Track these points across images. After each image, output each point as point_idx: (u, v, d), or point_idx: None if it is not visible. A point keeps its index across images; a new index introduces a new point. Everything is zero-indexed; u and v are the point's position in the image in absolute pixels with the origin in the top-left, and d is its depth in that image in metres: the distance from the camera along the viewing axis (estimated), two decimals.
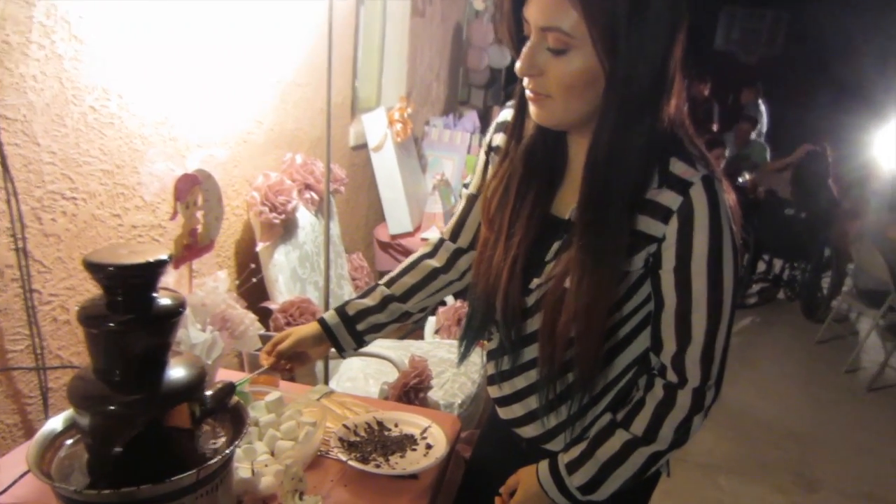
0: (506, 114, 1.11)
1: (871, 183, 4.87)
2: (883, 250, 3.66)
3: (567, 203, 1.01)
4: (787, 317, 5.00)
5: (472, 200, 1.20)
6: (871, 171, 5.21)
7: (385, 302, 1.22)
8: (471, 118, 3.60)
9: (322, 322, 1.22)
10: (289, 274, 2.02)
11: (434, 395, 1.95)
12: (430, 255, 1.26)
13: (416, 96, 3.49)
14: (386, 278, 1.26)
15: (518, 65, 0.92)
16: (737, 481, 2.78)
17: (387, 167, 2.99)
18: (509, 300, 1.03)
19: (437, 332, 2.54)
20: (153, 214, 1.61)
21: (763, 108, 6.39)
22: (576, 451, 1.02)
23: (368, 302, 1.22)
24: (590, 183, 0.93)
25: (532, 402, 1.08)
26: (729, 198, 0.92)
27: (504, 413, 1.15)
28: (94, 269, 0.83)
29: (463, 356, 1.16)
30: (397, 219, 3.00)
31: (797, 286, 5.29)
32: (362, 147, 2.96)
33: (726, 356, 0.95)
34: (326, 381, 1.99)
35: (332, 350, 1.24)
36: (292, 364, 1.23)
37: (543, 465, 1.05)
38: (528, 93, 0.94)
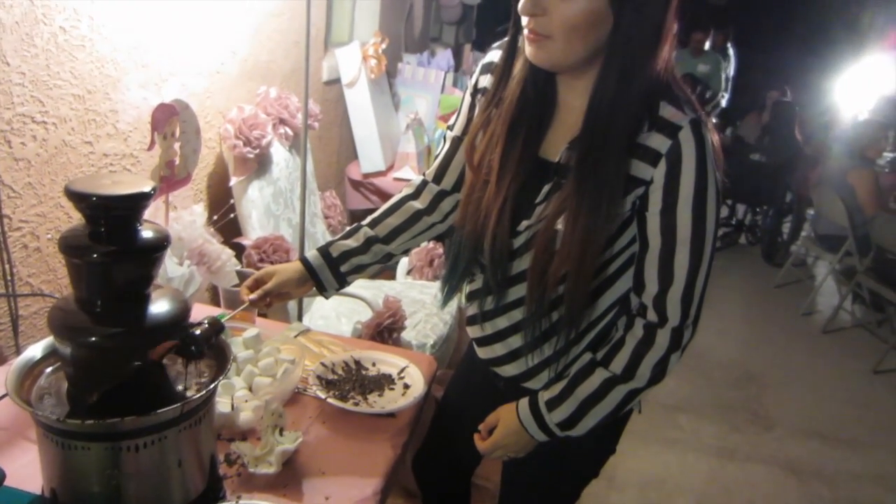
0: (492, 55, 1.10)
1: (833, 129, 4.96)
2: (842, 195, 3.74)
3: (556, 146, 1.01)
4: (748, 261, 5.16)
5: (456, 143, 1.19)
6: (833, 116, 5.30)
7: (369, 243, 1.22)
8: (445, 56, 3.52)
9: (305, 262, 1.22)
10: (262, 210, 1.99)
11: (407, 335, 1.98)
12: (414, 196, 1.25)
13: (389, 32, 3.39)
14: (369, 219, 1.25)
15: (521, 3, 0.90)
16: (696, 420, 2.91)
17: (360, 104, 2.92)
18: (497, 242, 1.04)
19: (409, 272, 2.56)
20: (125, 143, 1.56)
21: (732, 51, 6.40)
22: (556, 389, 1.05)
23: (352, 243, 1.22)
24: (591, 126, 0.94)
25: (514, 342, 1.11)
26: (713, 139, 0.94)
27: (484, 353, 1.18)
28: (77, 198, 0.81)
29: (447, 298, 1.18)
30: (370, 157, 2.96)
31: (758, 231, 5.44)
32: (335, 82, 2.89)
33: (704, 296, 0.99)
34: (300, 319, 2.00)
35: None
36: (272, 301, 1.23)
37: (524, 402, 1.09)
38: (526, 32, 0.93)
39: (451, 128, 1.20)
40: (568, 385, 1.04)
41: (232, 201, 1.94)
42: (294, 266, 1.22)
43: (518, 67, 1.02)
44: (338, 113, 2.98)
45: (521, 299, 1.06)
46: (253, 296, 1.17)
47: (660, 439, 2.72)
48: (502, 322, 1.12)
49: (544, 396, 1.06)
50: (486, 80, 1.10)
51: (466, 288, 1.19)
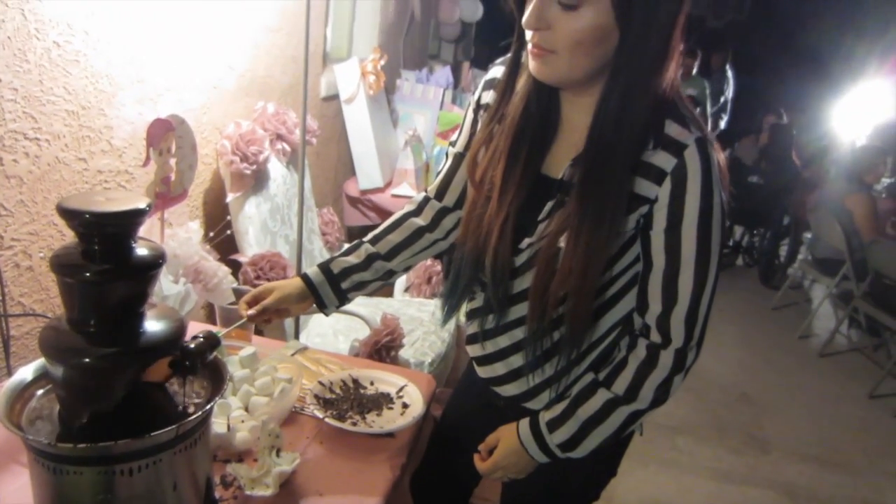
0: (495, 71, 1.09)
1: (831, 153, 4.98)
2: (840, 219, 3.75)
3: (559, 163, 1.00)
4: (745, 283, 5.15)
5: (458, 159, 1.18)
6: (831, 141, 5.33)
7: (370, 260, 1.20)
8: (444, 73, 3.53)
9: (306, 279, 1.20)
10: (259, 226, 1.98)
11: (405, 353, 1.96)
12: (415, 213, 1.24)
13: (388, 49, 3.40)
14: (370, 235, 1.23)
15: (525, 18, 0.89)
16: (693, 442, 2.88)
17: (358, 120, 2.92)
18: (499, 259, 1.03)
19: (407, 289, 2.54)
20: (120, 160, 1.55)
21: (730, 74, 6.43)
22: (557, 410, 1.03)
23: (353, 260, 1.20)
24: (595, 144, 0.93)
25: (515, 361, 1.09)
26: (719, 158, 0.93)
27: (484, 372, 1.16)
28: (70, 216, 0.79)
29: (447, 316, 1.16)
30: (368, 174, 2.95)
31: (756, 253, 5.44)
32: (333, 98, 2.89)
33: (708, 318, 0.97)
34: (297, 337, 1.97)
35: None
36: (271, 317, 1.20)
37: (524, 423, 1.07)
38: (530, 47, 0.92)
39: (453, 144, 1.19)
40: (569, 406, 1.02)
41: (228, 218, 1.92)
42: (294, 282, 1.20)
43: (521, 83, 1.01)
44: (335, 129, 2.98)
45: (523, 318, 1.04)
46: (251, 311, 1.15)
47: (657, 460, 2.70)
48: (503, 341, 1.10)
49: (545, 417, 1.04)
50: (488, 97, 1.09)
51: (466, 306, 1.17)
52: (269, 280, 1.89)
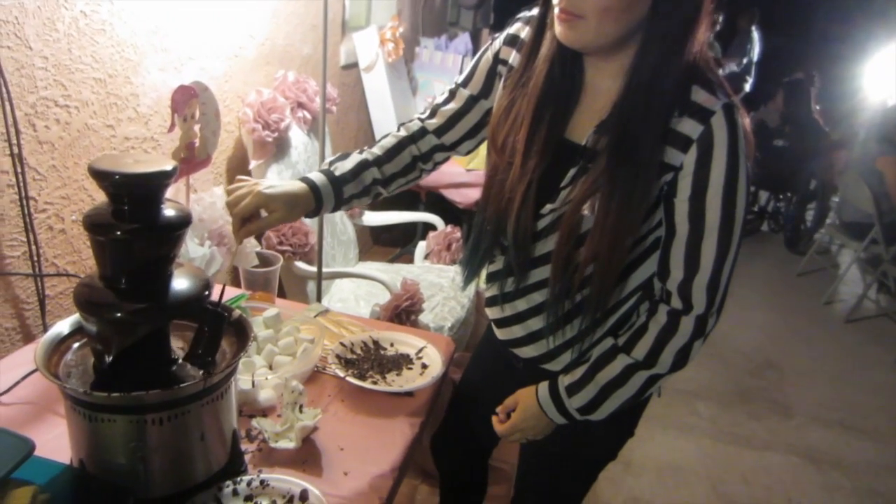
0: (518, 28, 1.08)
1: (860, 114, 4.83)
2: (869, 182, 3.65)
3: (583, 128, 1.00)
4: (770, 248, 5.07)
5: (470, 102, 1.15)
6: (861, 101, 5.16)
7: (373, 185, 1.17)
8: (463, 40, 3.51)
9: (317, 197, 1.10)
10: None
11: (424, 318, 2.00)
12: (412, 140, 1.20)
13: (407, 16, 3.38)
14: (373, 156, 1.17)
15: None
16: (714, 407, 2.89)
17: (378, 88, 2.93)
18: (521, 224, 1.04)
19: (426, 256, 2.57)
20: (146, 127, 1.58)
21: (756, 35, 6.27)
22: (576, 374, 1.05)
23: (359, 187, 1.15)
24: (627, 111, 0.92)
25: (533, 324, 1.11)
26: (745, 124, 0.92)
27: (503, 334, 1.18)
28: (101, 176, 0.82)
29: (468, 279, 1.18)
30: None
31: (781, 218, 5.35)
32: (352, 66, 2.90)
33: (729, 285, 0.98)
34: (319, 301, 2.02)
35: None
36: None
37: (543, 386, 1.09)
38: (557, 11, 0.91)
39: (461, 84, 1.16)
40: (588, 370, 1.04)
41: None
42: (299, 197, 1.08)
43: (545, 46, 1.00)
44: (355, 97, 2.99)
45: (543, 282, 1.06)
46: (251, 228, 1.06)
47: (677, 425, 2.71)
48: (522, 304, 1.12)
49: (564, 381, 1.06)
50: (510, 55, 1.08)
51: (486, 269, 1.19)
52: (291, 245, 1.93)
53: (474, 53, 1.20)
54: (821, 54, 6.21)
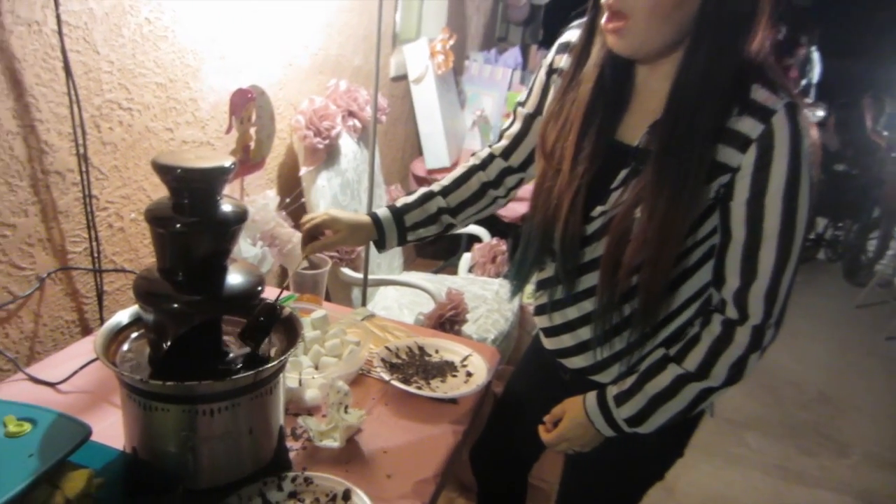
0: (570, 35, 1.07)
1: None
2: None
3: (635, 130, 0.98)
4: (826, 278, 4.86)
5: (528, 121, 1.17)
6: None
7: (439, 213, 1.20)
8: (513, 54, 3.51)
9: (377, 224, 1.18)
10: (330, 200, 2.04)
11: (468, 329, 1.99)
12: (481, 167, 1.23)
13: (457, 30, 3.41)
14: (440, 186, 1.22)
15: None
16: (763, 440, 2.78)
17: (426, 100, 2.95)
18: (569, 228, 1.02)
19: (471, 269, 2.56)
20: (203, 131, 1.63)
21: (816, 55, 6.09)
22: (625, 384, 1.02)
23: (423, 214, 1.20)
24: (676, 109, 0.90)
25: (583, 333, 1.09)
26: (809, 126, 0.88)
27: (551, 343, 1.16)
28: (163, 170, 0.85)
29: (516, 288, 1.16)
30: (435, 153, 2.98)
31: (840, 247, 5.13)
32: (402, 78, 2.93)
33: (789, 296, 0.93)
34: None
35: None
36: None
37: (591, 396, 1.06)
38: (605, 20, 0.91)
39: (521, 104, 1.18)
40: (638, 380, 1.01)
41: (302, 191, 1.98)
42: (360, 224, 1.18)
43: (595, 51, 0.99)
44: (404, 109, 3.02)
45: (593, 289, 1.04)
46: (316, 245, 1.16)
47: (724, 455, 2.61)
48: (572, 312, 1.09)
49: (613, 391, 1.04)
50: (562, 61, 1.08)
51: (535, 277, 1.17)
52: (338, 252, 1.95)
53: (524, 68, 1.20)
54: (887, 77, 6.00)
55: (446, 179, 1.23)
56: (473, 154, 1.26)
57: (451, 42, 2.93)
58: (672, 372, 0.99)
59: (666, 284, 0.97)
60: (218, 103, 1.64)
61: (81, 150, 1.27)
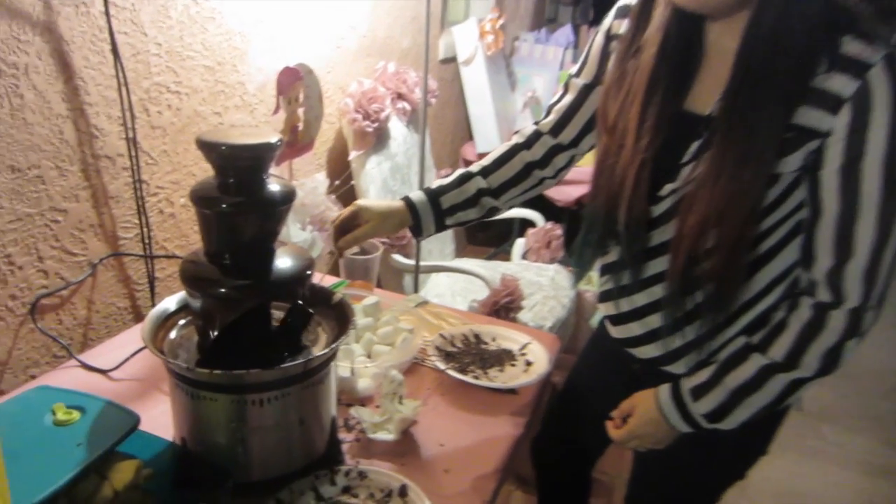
0: None
1: None
2: None
3: (705, 97, 0.89)
4: None
5: (584, 92, 1.07)
6: None
7: (479, 195, 1.13)
8: (564, 32, 3.39)
9: (411, 208, 1.11)
10: (380, 184, 1.99)
11: (523, 316, 1.92)
12: (525, 146, 1.14)
13: (506, 9, 3.32)
14: (479, 167, 1.14)
15: None
16: (842, 432, 2.61)
17: (476, 82, 2.88)
18: (634, 209, 0.94)
19: (525, 254, 2.48)
20: (251, 115, 1.60)
21: None
22: (702, 376, 0.94)
23: (461, 196, 1.13)
24: (745, 67, 0.81)
25: (653, 321, 1.00)
26: None
27: (618, 332, 1.08)
28: (208, 148, 0.81)
29: (579, 275, 1.08)
30: (486, 136, 2.90)
31: None
32: (450, 61, 2.86)
33: (892, 275, 0.83)
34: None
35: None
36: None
37: (664, 389, 0.98)
38: None
39: (575, 75, 1.09)
40: (717, 372, 0.92)
41: (350, 174, 1.94)
42: (394, 210, 1.11)
43: (659, 10, 0.90)
44: (453, 92, 2.96)
45: (662, 274, 0.95)
46: (342, 243, 1.10)
47: (799, 448, 2.46)
48: (640, 298, 1.01)
49: (688, 383, 0.95)
50: (621, 26, 0.99)
51: (598, 262, 1.09)
52: (389, 238, 1.90)
53: (576, 46, 1.11)
54: None
55: (486, 159, 1.15)
56: (517, 132, 1.17)
57: (501, 21, 2.84)
58: (756, 362, 0.89)
59: (742, 268, 0.88)
60: (265, 85, 1.60)
61: (131, 134, 1.25)
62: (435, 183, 1.14)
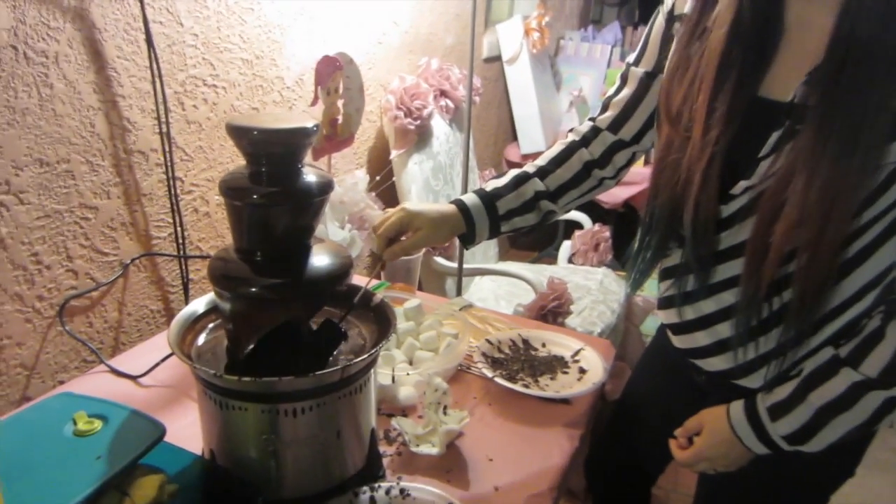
0: None
1: None
2: None
3: (786, 81, 0.78)
4: None
5: (645, 82, 0.97)
6: None
7: (536, 198, 1.03)
8: (612, 29, 3.29)
9: (465, 214, 1.01)
10: (422, 184, 1.92)
11: (571, 321, 1.81)
12: (583, 144, 1.05)
13: (552, 9, 3.22)
14: (535, 167, 1.05)
15: None
16: None
17: (521, 81, 2.79)
18: (702, 210, 0.83)
19: (571, 257, 2.38)
20: (290, 111, 1.54)
21: None
22: (782, 392, 0.83)
23: (518, 200, 1.03)
24: (845, 43, 0.70)
25: (723, 330, 0.89)
26: None
27: (682, 342, 0.97)
28: (238, 133, 0.74)
29: (637, 281, 0.97)
30: (530, 137, 2.81)
31: None
32: (495, 59, 2.79)
33: None
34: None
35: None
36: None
37: (737, 406, 0.87)
38: None
39: (634, 63, 0.99)
40: (799, 388, 0.81)
41: (393, 179, 1.88)
42: (446, 216, 1.00)
43: None
44: (496, 92, 2.87)
45: (733, 279, 0.85)
46: (389, 253, 0.98)
47: (868, 462, 2.26)
48: (708, 306, 0.90)
49: (766, 401, 0.84)
50: (686, 5, 0.89)
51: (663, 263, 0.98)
52: (439, 245, 1.82)
53: (623, 45, 1.00)
54: None
55: (541, 160, 1.05)
56: (571, 130, 1.07)
57: (547, 18, 2.75)
58: (846, 378, 0.78)
59: (830, 272, 0.77)
60: (304, 81, 1.55)
61: (165, 129, 1.20)
62: (489, 185, 1.04)
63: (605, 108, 1.03)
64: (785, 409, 0.82)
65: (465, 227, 1.00)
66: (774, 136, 0.78)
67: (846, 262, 0.79)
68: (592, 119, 1.05)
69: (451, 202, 1.02)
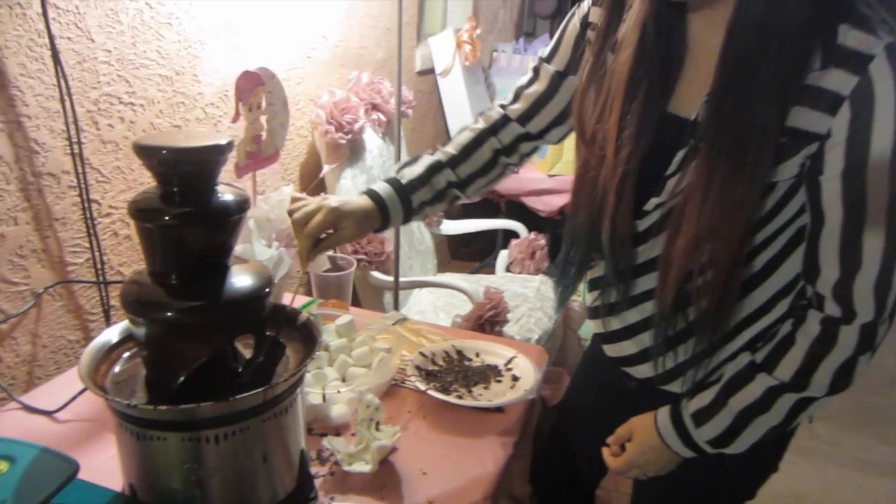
0: None
1: None
2: None
3: (691, 99, 0.81)
4: None
5: (556, 81, 0.98)
6: None
7: (448, 188, 1.04)
8: (543, 41, 3.35)
9: (382, 209, 0.99)
10: None
11: (509, 329, 1.83)
12: (492, 132, 1.05)
13: (483, 22, 3.27)
14: (447, 156, 1.04)
15: None
16: (836, 430, 2.56)
17: (454, 93, 2.81)
18: (618, 226, 0.86)
19: (509, 266, 2.40)
20: (215, 128, 1.51)
21: None
22: (704, 399, 0.85)
23: (431, 192, 1.03)
24: (730, 65, 0.73)
25: (646, 339, 0.91)
26: None
27: (611, 350, 1.00)
28: (146, 153, 0.72)
29: (563, 296, 1.00)
30: None
31: None
32: (428, 72, 2.80)
33: None
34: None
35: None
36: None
37: (663, 414, 0.89)
38: None
39: (546, 59, 1.00)
40: (720, 394, 0.84)
41: (318, 187, 1.86)
42: (368, 211, 0.99)
43: (635, 5, 0.82)
44: (431, 105, 2.89)
45: (653, 291, 0.87)
46: (323, 246, 0.97)
47: (794, 448, 2.36)
48: (632, 316, 0.92)
49: (690, 408, 0.86)
50: (596, 14, 0.91)
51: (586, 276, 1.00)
52: (366, 253, 1.81)
53: None
54: None
55: (453, 147, 1.05)
56: (481, 114, 1.07)
57: (479, 31, 2.79)
58: (762, 383, 0.81)
59: (732, 287, 0.80)
60: (230, 98, 1.51)
61: (77, 150, 1.16)
62: (403, 174, 1.03)
63: (516, 98, 1.04)
64: (708, 415, 0.85)
65: (381, 220, 1.00)
66: (680, 153, 0.81)
67: (754, 275, 0.83)
68: (503, 106, 1.06)
69: (366, 194, 1.01)
